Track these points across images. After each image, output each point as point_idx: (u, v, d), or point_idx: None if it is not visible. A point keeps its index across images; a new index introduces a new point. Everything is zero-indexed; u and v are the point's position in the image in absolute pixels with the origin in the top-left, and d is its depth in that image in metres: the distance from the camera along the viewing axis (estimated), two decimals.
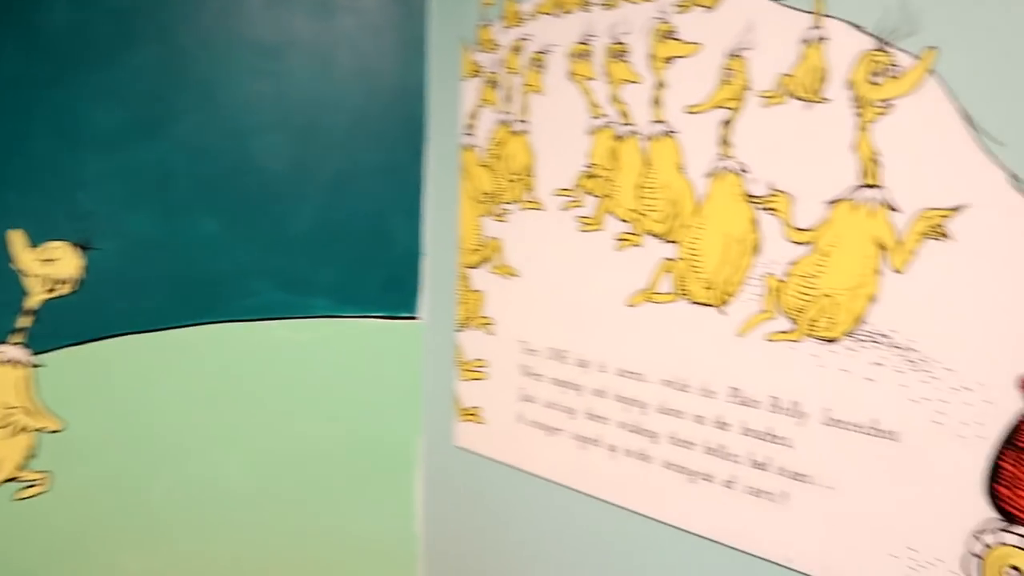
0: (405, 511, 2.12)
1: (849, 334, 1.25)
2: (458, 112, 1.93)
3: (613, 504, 1.62)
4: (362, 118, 1.93)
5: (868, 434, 1.24)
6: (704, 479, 1.46)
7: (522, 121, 1.78)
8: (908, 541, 1.23)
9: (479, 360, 1.88)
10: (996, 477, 1.11)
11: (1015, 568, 1.11)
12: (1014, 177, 1.05)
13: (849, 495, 1.27)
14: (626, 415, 1.57)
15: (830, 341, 1.27)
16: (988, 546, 1.15)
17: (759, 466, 1.39)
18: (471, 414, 1.92)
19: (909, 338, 1.18)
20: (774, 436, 1.36)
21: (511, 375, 1.80)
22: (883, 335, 1.22)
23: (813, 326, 1.29)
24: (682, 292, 1.46)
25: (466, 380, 1.92)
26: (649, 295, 1.51)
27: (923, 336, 1.16)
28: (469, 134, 1.90)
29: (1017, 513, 1.09)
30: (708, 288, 1.43)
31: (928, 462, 1.19)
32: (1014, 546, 1.10)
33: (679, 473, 1.50)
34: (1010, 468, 1.09)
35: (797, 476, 1.34)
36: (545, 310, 1.71)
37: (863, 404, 1.25)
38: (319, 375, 1.94)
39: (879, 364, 1.22)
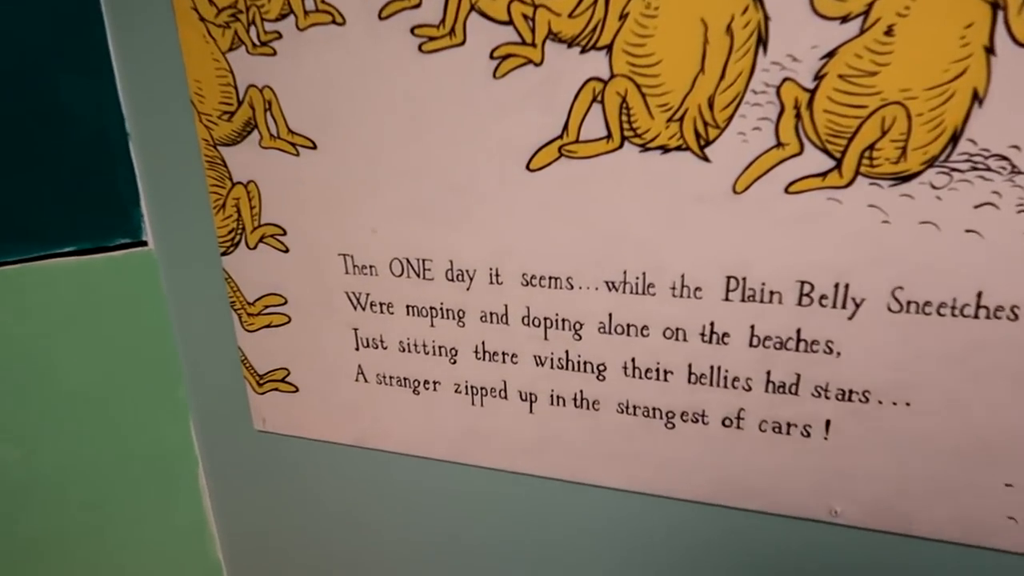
0: (194, 532, 1.41)
1: (935, 162, 0.76)
2: None
3: (537, 477, 1.08)
4: None
5: (968, 315, 0.79)
6: (690, 420, 0.95)
7: None
8: None
9: (273, 296, 1.17)
10: None
11: None
12: None
13: (935, 411, 0.84)
14: (549, 345, 0.99)
15: (902, 179, 0.77)
16: None
17: (783, 389, 0.90)
18: (274, 380, 1.23)
19: None
20: (809, 341, 0.87)
21: (334, 312, 1.12)
22: (998, 155, 0.74)
23: (871, 159, 0.78)
24: (628, 133, 0.87)
25: (253, 330, 1.20)
26: (567, 146, 0.90)
27: None
28: None
29: None
30: (674, 119, 0.84)
31: None
32: None
33: (647, 419, 0.98)
34: None
35: (848, 395, 0.87)
36: (380, 197, 1.03)
37: (960, 272, 0.78)
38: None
39: (990, 204, 0.75)
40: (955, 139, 0.74)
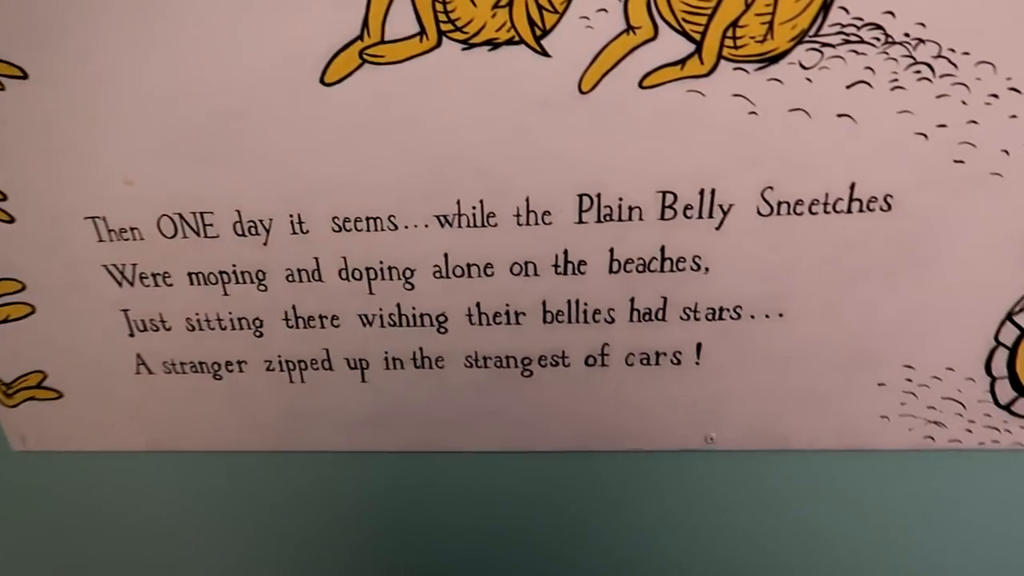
0: None
1: (805, 37, 0.66)
2: None
3: (379, 453, 0.92)
4: None
5: (841, 211, 0.72)
6: (549, 364, 0.83)
7: None
8: (905, 356, 0.79)
9: (5, 282, 0.88)
10: None
11: None
12: None
13: (808, 319, 0.77)
14: (376, 300, 0.82)
15: (769, 60, 0.67)
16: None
17: (649, 315, 0.79)
18: (27, 388, 0.95)
19: (935, 27, 0.64)
20: (674, 259, 0.76)
21: (91, 292, 0.86)
22: (872, 23, 0.65)
23: (734, 39, 0.66)
24: (447, 27, 0.69)
25: None
26: (370, 49, 0.70)
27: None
28: None
29: None
30: (501, 5, 0.68)
31: (940, 231, 0.72)
32: None
33: (500, 369, 0.84)
34: None
35: (718, 313, 0.78)
36: (129, 136, 0.77)
37: (832, 163, 0.70)
38: None
39: (864, 83, 0.67)
40: (826, 8, 0.64)
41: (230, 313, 0.85)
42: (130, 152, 0.77)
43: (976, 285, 0.74)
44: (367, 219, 0.77)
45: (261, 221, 0.79)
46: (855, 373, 0.80)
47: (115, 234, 0.82)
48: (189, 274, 0.83)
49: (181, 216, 0.80)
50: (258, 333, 0.86)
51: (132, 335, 0.88)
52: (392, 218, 0.77)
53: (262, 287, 0.83)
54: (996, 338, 0.77)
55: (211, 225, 0.80)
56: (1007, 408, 0.80)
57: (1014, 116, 0.67)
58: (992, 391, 0.79)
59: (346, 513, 0.98)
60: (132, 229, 0.81)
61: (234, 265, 0.82)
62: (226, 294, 0.83)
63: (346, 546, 1.01)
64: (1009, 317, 0.75)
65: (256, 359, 0.87)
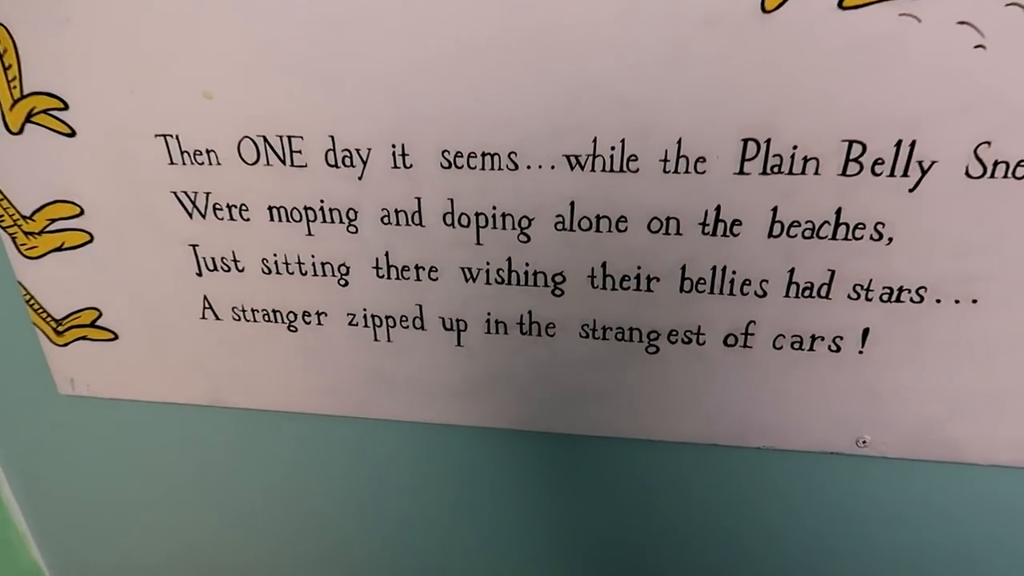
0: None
1: None
2: None
3: (473, 428, 0.81)
4: None
5: None
6: (681, 340, 0.71)
7: None
8: None
9: (61, 205, 0.78)
10: None
11: None
12: None
13: (1007, 307, 0.64)
14: (483, 252, 0.69)
15: None
16: None
17: (810, 292, 0.67)
18: (80, 326, 0.86)
19: None
20: (851, 226, 0.63)
21: (157, 221, 0.76)
22: None
23: None
24: None
25: (37, 256, 0.82)
26: None
27: None
28: None
29: None
30: None
31: None
32: None
33: (620, 343, 0.72)
34: None
35: (896, 294, 0.65)
36: (212, 41, 0.65)
37: None
38: None
39: None
40: None
41: (313, 256, 0.74)
42: (212, 61, 0.66)
43: None
44: (482, 155, 0.65)
45: (358, 151, 0.68)
46: None
47: (188, 156, 0.71)
48: (270, 208, 0.72)
49: (266, 139, 0.69)
50: (343, 281, 0.75)
51: (200, 274, 0.78)
52: (512, 156, 0.65)
53: (352, 228, 0.72)
54: None
55: (299, 152, 0.68)
56: None
57: None
58: None
59: (424, 491, 0.88)
60: (208, 151, 0.71)
61: (322, 201, 0.71)
62: (310, 234, 0.72)
63: (423, 527, 0.91)
64: None
65: (338, 311, 0.77)
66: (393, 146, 0.67)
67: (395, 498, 0.89)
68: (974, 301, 0.64)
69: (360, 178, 0.69)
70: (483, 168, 0.66)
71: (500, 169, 0.66)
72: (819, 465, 0.75)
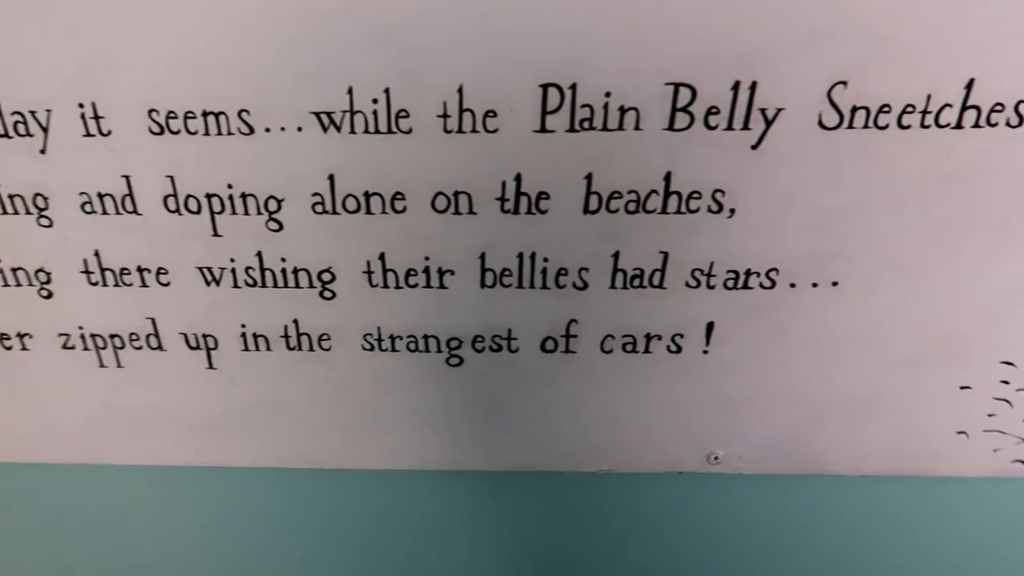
0: None
1: None
2: None
3: (235, 469, 0.64)
4: None
5: (946, 124, 0.46)
6: (488, 348, 0.56)
7: None
8: (1005, 348, 0.55)
9: None
10: None
11: None
12: None
13: (875, 290, 0.52)
14: (225, 246, 0.52)
15: None
16: None
17: (640, 280, 0.53)
18: None
19: None
20: (684, 195, 0.50)
21: None
22: None
23: None
24: None
25: None
26: None
27: None
28: None
29: None
30: None
31: None
32: None
33: (414, 353, 0.57)
34: None
35: (743, 279, 0.52)
36: None
37: (943, 44, 0.44)
38: None
39: None
40: None
41: None
42: None
43: None
44: (204, 115, 0.48)
45: (33, 113, 0.49)
46: (930, 371, 0.55)
47: None
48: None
49: None
50: (44, 292, 0.56)
51: None
52: (244, 115, 0.48)
53: (44, 220, 0.53)
54: None
55: None
56: None
57: None
58: None
59: (181, 544, 0.70)
60: None
61: None
62: None
63: None
64: None
65: (46, 332, 0.57)
66: (80, 105, 0.48)
67: (138, 554, 0.71)
68: (834, 284, 0.52)
69: (43, 151, 0.50)
70: (207, 132, 0.49)
71: (230, 133, 0.49)
72: (667, 487, 0.63)
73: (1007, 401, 0.56)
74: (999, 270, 0.51)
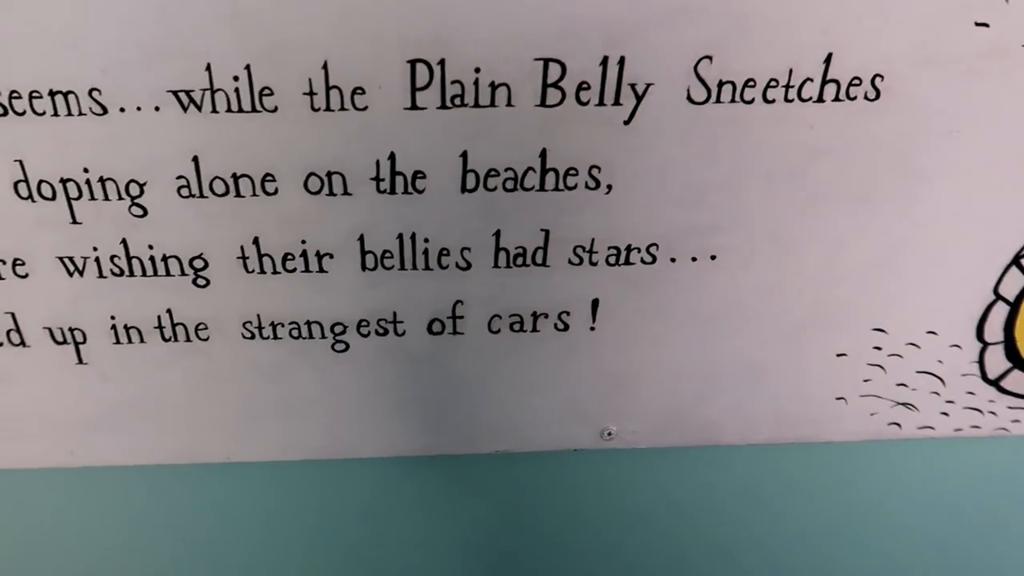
0: None
1: None
2: None
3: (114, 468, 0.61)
4: None
5: (808, 98, 0.47)
6: (373, 332, 0.55)
7: None
8: (876, 316, 0.57)
9: None
10: None
11: None
12: None
13: (751, 258, 0.53)
14: (85, 234, 0.49)
15: None
16: None
17: (523, 258, 0.53)
18: None
19: None
20: (560, 172, 0.50)
21: None
22: None
23: None
24: None
25: None
26: None
27: None
28: None
29: None
30: None
31: (944, 131, 0.49)
32: None
33: (297, 340, 0.55)
34: None
35: (624, 254, 0.53)
36: None
37: (802, 19, 0.45)
38: None
39: None
40: None
41: None
42: None
43: (980, 214, 0.53)
44: (51, 94, 0.45)
45: None
46: (808, 340, 0.57)
47: None
48: None
49: None
50: None
51: None
52: (95, 94, 0.45)
53: None
54: (996, 291, 0.56)
55: None
56: (995, 383, 0.60)
57: None
58: (980, 361, 0.59)
59: (61, 549, 0.67)
60: None
61: None
62: None
63: None
64: (1016, 261, 0.55)
65: None
66: None
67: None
68: (713, 257, 0.53)
69: None
70: (56, 113, 0.46)
71: (82, 113, 0.46)
72: (564, 465, 0.63)
73: (880, 366, 0.58)
74: (866, 240, 0.53)
